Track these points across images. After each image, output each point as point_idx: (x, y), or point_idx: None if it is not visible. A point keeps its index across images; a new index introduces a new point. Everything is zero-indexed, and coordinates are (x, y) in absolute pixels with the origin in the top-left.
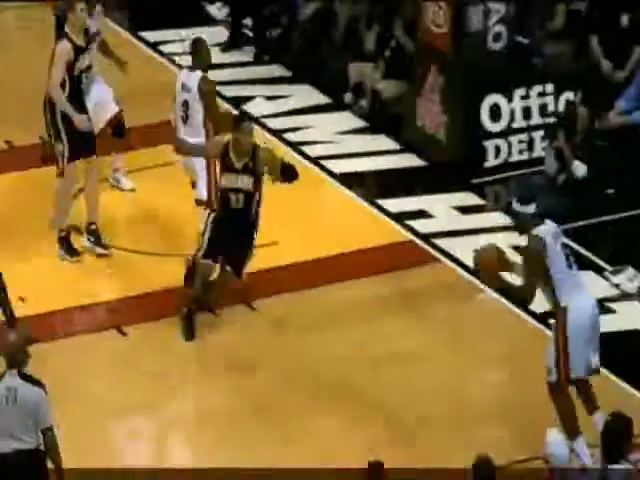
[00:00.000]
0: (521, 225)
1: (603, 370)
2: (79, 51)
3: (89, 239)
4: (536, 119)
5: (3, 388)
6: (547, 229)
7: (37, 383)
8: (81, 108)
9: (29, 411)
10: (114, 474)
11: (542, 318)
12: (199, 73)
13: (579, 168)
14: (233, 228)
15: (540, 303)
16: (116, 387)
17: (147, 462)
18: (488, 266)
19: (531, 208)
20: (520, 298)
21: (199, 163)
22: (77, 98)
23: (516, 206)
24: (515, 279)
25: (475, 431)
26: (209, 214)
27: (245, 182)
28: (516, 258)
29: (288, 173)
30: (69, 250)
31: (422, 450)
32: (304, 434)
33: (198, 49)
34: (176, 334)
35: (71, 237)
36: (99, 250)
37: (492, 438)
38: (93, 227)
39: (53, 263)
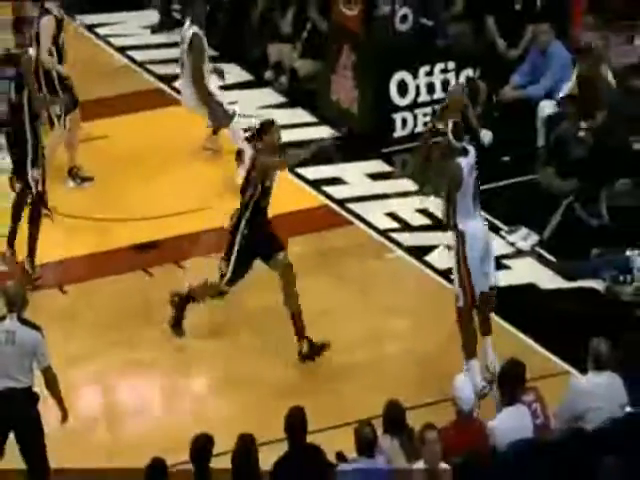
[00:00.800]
0: (449, 149)
1: (500, 320)
2: (60, 23)
3: (76, 181)
4: (439, 94)
5: (2, 330)
6: (467, 163)
7: (35, 327)
8: None
9: (27, 352)
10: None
11: (444, 274)
12: (193, 29)
13: (487, 136)
14: (266, 228)
15: (442, 261)
16: (59, 339)
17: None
18: (457, 101)
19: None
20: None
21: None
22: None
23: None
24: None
25: (387, 377)
26: (239, 233)
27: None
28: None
29: None
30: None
31: (340, 396)
32: (237, 380)
33: (195, 6)
34: (111, 292)
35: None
36: (86, 184)
37: (402, 383)
38: (76, 170)
39: None
